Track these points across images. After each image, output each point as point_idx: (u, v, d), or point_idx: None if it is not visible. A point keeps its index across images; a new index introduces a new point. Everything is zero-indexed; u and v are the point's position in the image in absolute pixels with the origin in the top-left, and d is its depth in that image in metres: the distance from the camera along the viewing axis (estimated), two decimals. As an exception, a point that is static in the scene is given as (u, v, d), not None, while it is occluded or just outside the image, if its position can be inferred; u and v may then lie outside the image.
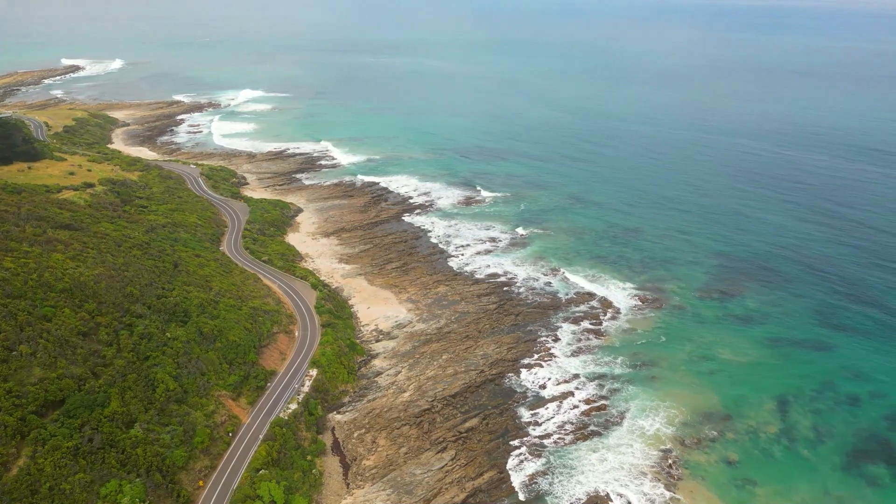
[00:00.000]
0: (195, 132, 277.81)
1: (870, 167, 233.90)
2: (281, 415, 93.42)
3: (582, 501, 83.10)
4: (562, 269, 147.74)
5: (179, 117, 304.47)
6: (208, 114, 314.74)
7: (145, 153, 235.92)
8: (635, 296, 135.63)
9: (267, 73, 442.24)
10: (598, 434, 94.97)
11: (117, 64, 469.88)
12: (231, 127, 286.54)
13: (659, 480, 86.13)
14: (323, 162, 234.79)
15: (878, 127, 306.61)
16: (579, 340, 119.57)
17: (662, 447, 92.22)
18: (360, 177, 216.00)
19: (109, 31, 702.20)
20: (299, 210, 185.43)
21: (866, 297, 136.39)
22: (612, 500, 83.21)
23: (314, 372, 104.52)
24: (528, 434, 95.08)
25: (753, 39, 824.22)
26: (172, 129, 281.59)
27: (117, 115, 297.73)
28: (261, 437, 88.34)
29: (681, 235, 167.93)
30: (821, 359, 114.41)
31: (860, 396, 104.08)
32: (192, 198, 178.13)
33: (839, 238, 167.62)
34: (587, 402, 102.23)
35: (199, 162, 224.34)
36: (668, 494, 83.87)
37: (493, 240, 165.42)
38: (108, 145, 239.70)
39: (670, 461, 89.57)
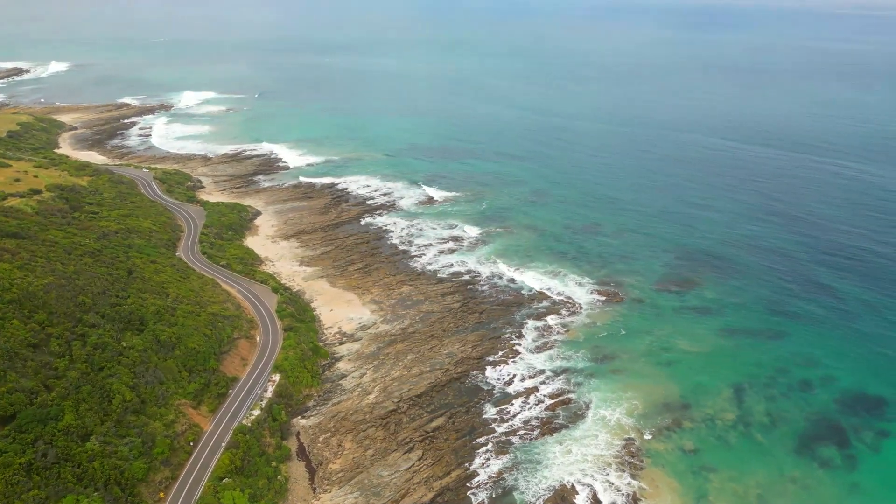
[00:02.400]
0: (147, 135, 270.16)
1: (812, 161, 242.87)
2: (244, 421, 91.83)
3: (549, 495, 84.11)
4: (524, 267, 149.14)
5: (130, 120, 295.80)
6: (160, 116, 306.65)
7: (95, 157, 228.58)
8: (596, 291, 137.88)
9: (221, 73, 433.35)
10: (564, 428, 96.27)
11: (63, 66, 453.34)
12: (185, 129, 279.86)
13: (622, 470, 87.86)
14: (281, 163, 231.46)
15: (817, 122, 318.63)
16: (543, 336, 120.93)
17: (625, 437, 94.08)
18: (319, 178, 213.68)
19: (54, 32, 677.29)
20: (258, 213, 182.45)
21: (814, 286, 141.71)
22: (577, 492, 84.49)
23: (277, 377, 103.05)
24: (494, 431, 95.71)
25: (699, 38, 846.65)
26: (123, 133, 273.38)
27: (64, 118, 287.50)
28: (223, 444, 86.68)
29: (637, 230, 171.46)
30: (774, 347, 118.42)
31: (811, 381, 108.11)
32: (145, 203, 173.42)
33: (787, 230, 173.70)
34: (552, 396, 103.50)
35: (152, 166, 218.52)
36: (630, 483, 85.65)
37: (455, 239, 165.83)
38: (55, 150, 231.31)
39: (633, 451, 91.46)
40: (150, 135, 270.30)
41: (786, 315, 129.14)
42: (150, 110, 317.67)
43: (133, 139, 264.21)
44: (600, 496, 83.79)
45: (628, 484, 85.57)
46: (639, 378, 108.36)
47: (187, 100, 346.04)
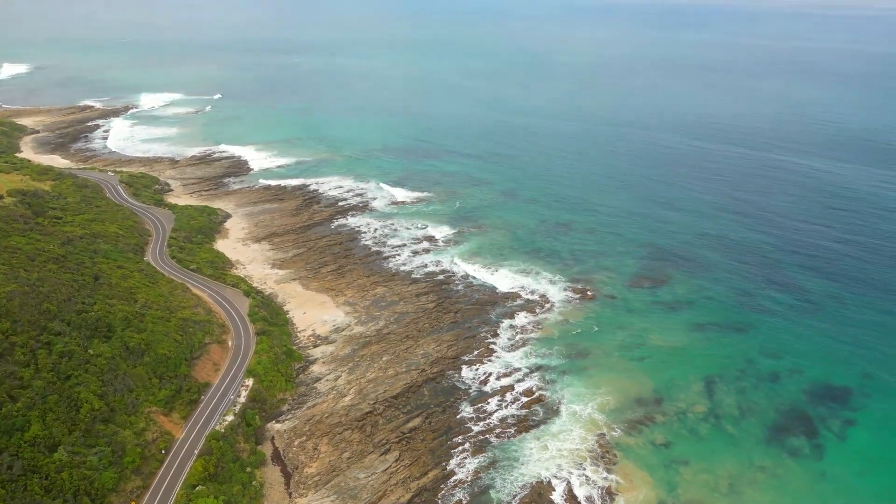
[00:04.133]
0: (112, 138, 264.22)
1: (774, 158, 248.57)
2: (217, 427, 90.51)
3: (526, 492, 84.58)
4: (497, 266, 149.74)
5: (94, 122, 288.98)
6: (126, 118, 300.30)
7: (58, 161, 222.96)
8: (568, 288, 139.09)
9: (188, 74, 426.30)
10: (539, 425, 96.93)
11: (23, 68, 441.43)
12: (151, 131, 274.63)
13: (597, 465, 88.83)
14: (251, 165, 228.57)
15: (780, 120, 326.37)
16: (517, 334, 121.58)
17: (599, 432, 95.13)
18: (290, 179, 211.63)
19: (14, 32, 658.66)
20: (228, 216, 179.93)
21: (780, 280, 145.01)
22: (554, 488, 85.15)
23: (250, 381, 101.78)
24: (471, 430, 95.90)
25: (667, 37, 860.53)
26: (86, 136, 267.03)
27: (25, 121, 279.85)
28: (196, 451, 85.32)
29: (607, 228, 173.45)
30: (743, 340, 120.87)
31: (779, 373, 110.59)
32: (111, 207, 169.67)
33: (753, 226, 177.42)
34: (528, 394, 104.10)
35: (118, 169, 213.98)
36: (606, 477, 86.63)
37: (428, 239, 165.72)
38: (17, 154, 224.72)
39: (606, 445, 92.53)
40: (116, 137, 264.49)
41: (753, 309, 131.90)
42: (114, 112, 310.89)
43: (97, 142, 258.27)
44: (576, 491, 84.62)
45: (603, 478, 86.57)
46: (612, 373, 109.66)
47: (153, 101, 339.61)
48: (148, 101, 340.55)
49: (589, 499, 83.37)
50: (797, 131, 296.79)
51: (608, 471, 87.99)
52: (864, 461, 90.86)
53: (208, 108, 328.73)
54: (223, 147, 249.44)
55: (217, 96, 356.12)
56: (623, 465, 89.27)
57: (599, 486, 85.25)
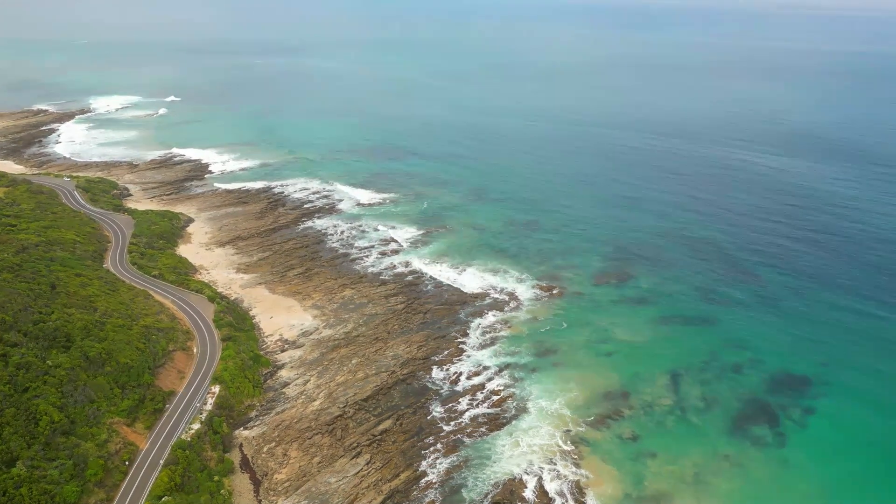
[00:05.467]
0: (67, 142, 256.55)
1: (731, 154, 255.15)
2: (183, 436, 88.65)
3: (498, 490, 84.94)
4: (466, 265, 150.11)
5: (48, 127, 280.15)
6: (82, 122, 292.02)
7: (11, 167, 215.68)
8: (536, 286, 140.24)
9: (146, 76, 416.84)
10: (509, 422, 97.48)
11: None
12: (108, 135, 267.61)
13: (566, 460, 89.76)
14: (213, 168, 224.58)
15: (735, 117, 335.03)
16: (487, 333, 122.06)
17: (567, 428, 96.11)
18: (254, 182, 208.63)
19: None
20: (190, 220, 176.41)
21: (739, 273, 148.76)
22: (525, 484, 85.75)
23: (217, 388, 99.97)
24: (442, 430, 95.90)
25: (629, 36, 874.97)
26: (41, 140, 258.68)
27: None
28: (162, 462, 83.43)
29: (573, 226, 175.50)
30: (706, 332, 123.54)
31: (741, 364, 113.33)
32: (68, 213, 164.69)
33: (712, 221, 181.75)
34: (498, 392, 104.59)
35: (74, 174, 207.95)
36: (574, 472, 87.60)
37: (396, 240, 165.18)
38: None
39: (575, 441, 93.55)
40: (71, 141, 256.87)
41: (715, 302, 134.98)
42: (70, 116, 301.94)
43: (52, 147, 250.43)
44: (546, 487, 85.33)
45: (573, 473, 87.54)
46: (580, 369, 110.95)
47: (109, 104, 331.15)
48: (104, 104, 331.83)
49: (560, 494, 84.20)
50: (753, 129, 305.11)
51: (577, 466, 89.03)
52: (823, 448, 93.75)
53: (167, 110, 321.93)
54: (183, 150, 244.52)
55: (176, 99, 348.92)
56: (591, 459, 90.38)
57: (570, 481, 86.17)
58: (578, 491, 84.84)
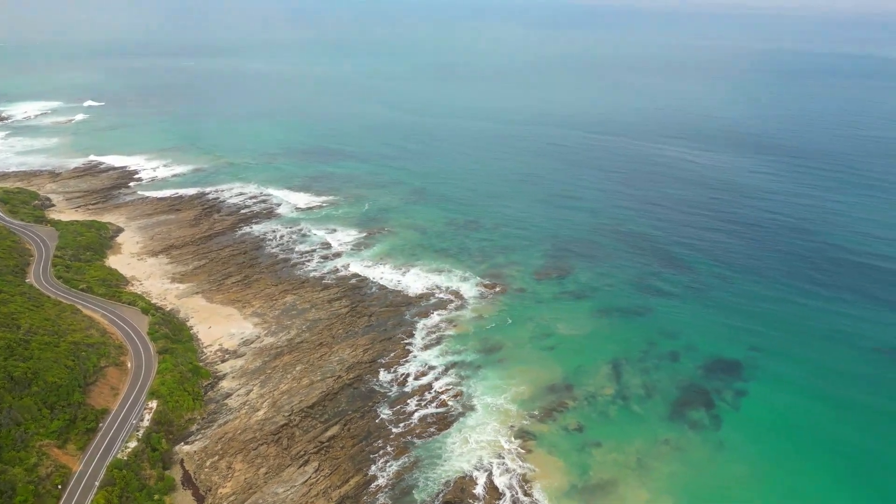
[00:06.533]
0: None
1: (661, 149, 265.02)
2: (119, 455, 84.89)
3: (448, 489, 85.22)
4: (410, 266, 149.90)
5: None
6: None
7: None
8: (480, 284, 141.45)
9: (68, 80, 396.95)
10: (457, 420, 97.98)
11: None
12: (27, 143, 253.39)
13: (514, 454, 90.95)
14: (142, 175, 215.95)
15: (666, 114, 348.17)
16: (433, 333, 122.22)
17: (514, 423, 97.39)
18: (187, 188, 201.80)
19: None
20: (119, 230, 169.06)
21: (672, 264, 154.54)
22: (475, 480, 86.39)
23: (154, 403, 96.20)
24: (391, 432, 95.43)
25: (568, 35, 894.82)
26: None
27: None
28: (97, 483, 79.69)
29: (513, 224, 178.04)
30: (643, 323, 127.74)
31: (678, 352, 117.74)
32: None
33: (645, 214, 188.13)
34: (445, 391, 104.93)
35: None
36: (521, 465, 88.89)
37: (338, 242, 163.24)
38: None
39: (522, 434, 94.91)
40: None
41: (651, 293, 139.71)
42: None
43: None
44: (496, 482, 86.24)
45: (520, 466, 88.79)
46: (525, 364, 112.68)
47: (28, 110, 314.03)
48: (21, 110, 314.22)
49: (510, 487, 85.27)
50: (682, 125, 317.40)
51: (524, 460, 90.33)
52: (755, 427, 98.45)
53: (88, 116, 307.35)
54: (110, 157, 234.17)
55: (96, 104, 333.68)
56: (538, 452, 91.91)
57: (518, 475, 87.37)
58: (527, 484, 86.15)
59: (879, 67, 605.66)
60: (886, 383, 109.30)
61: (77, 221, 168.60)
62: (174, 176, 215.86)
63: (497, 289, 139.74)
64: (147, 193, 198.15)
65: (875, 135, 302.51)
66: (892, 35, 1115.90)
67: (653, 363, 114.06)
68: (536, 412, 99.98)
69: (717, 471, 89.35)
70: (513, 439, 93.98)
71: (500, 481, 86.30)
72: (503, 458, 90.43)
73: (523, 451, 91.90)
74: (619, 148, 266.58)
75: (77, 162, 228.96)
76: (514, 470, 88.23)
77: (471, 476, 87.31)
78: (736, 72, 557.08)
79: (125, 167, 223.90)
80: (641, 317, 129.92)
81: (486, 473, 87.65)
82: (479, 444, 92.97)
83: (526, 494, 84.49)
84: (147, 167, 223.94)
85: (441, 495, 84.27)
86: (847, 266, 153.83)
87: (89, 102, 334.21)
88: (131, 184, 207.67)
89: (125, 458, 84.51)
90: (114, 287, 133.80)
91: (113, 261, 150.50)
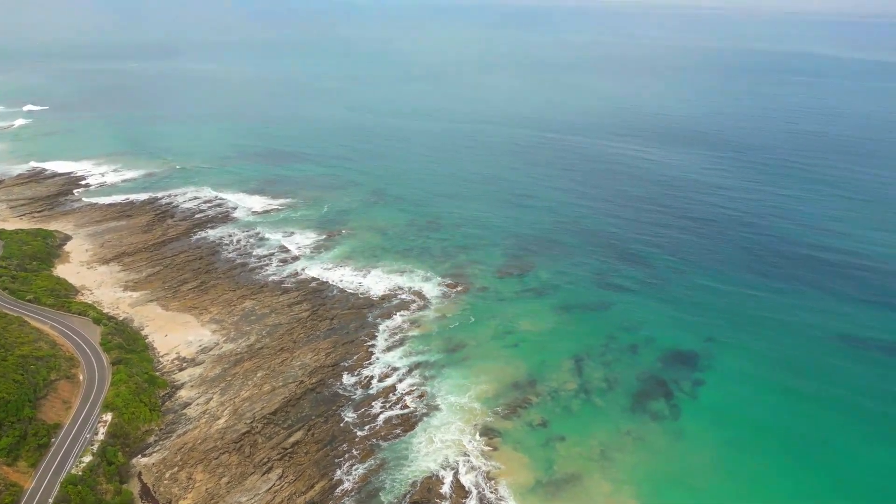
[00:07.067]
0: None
1: (614, 147, 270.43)
2: (73, 471, 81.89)
3: (415, 490, 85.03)
4: (371, 267, 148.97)
5: None
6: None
7: None
8: (443, 283, 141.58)
9: (8, 84, 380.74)
10: (422, 420, 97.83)
11: None
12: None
13: (479, 452, 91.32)
14: (90, 181, 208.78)
15: (620, 111, 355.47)
16: (396, 334, 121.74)
17: (479, 421, 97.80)
18: (138, 194, 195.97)
19: None
20: (68, 237, 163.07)
21: (630, 259, 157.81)
22: (442, 480, 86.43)
23: (109, 416, 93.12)
24: (356, 435, 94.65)
25: (514, 35, 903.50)
26: None
27: None
28: (51, 500, 76.83)
29: (473, 222, 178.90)
30: (603, 317, 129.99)
31: (637, 345, 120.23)
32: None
33: (602, 211, 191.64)
34: (410, 392, 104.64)
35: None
36: (487, 463, 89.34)
37: (297, 246, 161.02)
38: None
39: (487, 432, 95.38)
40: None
41: (609, 288, 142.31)
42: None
43: None
44: (462, 480, 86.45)
45: (485, 464, 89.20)
46: (488, 361, 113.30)
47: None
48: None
49: (476, 485, 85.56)
50: (632, 123, 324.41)
51: (489, 457, 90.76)
52: (712, 415, 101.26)
53: (27, 120, 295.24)
54: (55, 163, 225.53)
55: (36, 108, 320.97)
56: (504, 449, 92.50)
57: (483, 472, 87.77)
58: (492, 481, 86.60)
59: (812, 64, 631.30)
60: (833, 369, 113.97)
61: (22, 230, 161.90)
62: (124, 181, 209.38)
63: (459, 288, 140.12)
64: (96, 200, 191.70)
65: (812, 130, 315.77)
66: (819, 33, 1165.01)
67: (613, 357, 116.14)
68: (501, 409, 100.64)
69: (677, 459, 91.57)
70: (478, 437, 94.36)
71: (467, 479, 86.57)
72: (468, 456, 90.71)
73: (488, 448, 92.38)
74: (574, 147, 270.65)
75: (20, 168, 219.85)
76: (479, 467, 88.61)
77: (437, 475, 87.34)
78: (682, 70, 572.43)
79: (72, 173, 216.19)
80: (601, 312, 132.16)
81: (453, 472, 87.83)
82: (445, 443, 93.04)
83: (492, 491, 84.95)
84: (95, 173, 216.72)
85: (408, 496, 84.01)
86: (793, 258, 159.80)
87: (30, 107, 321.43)
88: (79, 190, 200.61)
89: (80, 473, 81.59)
90: (63, 297, 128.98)
91: (61, 270, 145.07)
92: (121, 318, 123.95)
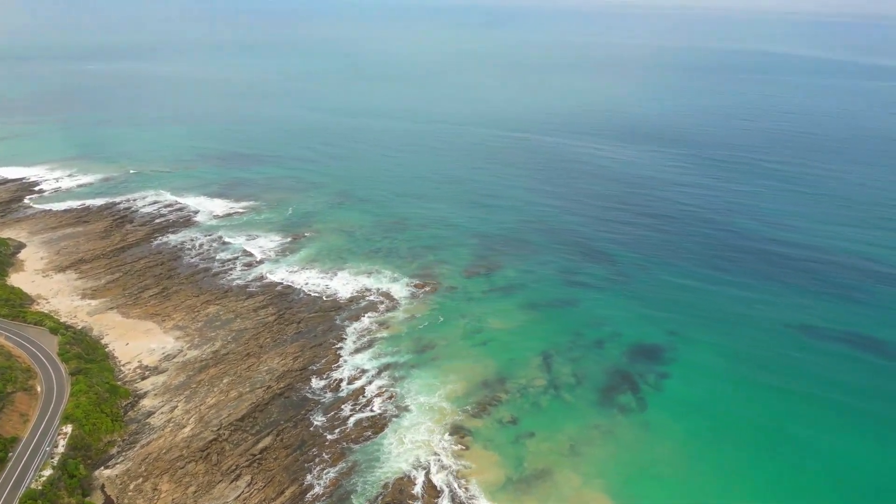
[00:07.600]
0: None
1: (576, 145, 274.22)
2: (33, 485, 79.29)
3: (387, 491, 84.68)
4: (338, 269, 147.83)
5: None
6: None
7: None
8: (411, 284, 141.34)
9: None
10: (393, 422, 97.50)
11: None
12: None
13: (449, 451, 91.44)
14: (44, 187, 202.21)
15: (584, 110, 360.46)
16: (364, 336, 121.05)
17: (449, 420, 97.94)
18: (94, 199, 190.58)
19: None
20: (21, 245, 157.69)
21: (595, 256, 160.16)
22: (414, 480, 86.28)
23: (69, 428, 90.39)
24: (326, 439, 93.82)
25: (483, 35, 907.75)
26: None
27: None
28: (8, 518, 74.07)
29: (440, 222, 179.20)
30: (570, 313, 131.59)
31: (603, 340, 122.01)
32: None
33: (567, 209, 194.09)
34: (379, 394, 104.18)
35: None
36: (457, 462, 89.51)
37: (262, 249, 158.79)
38: None
39: (457, 431, 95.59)
40: None
41: (575, 285, 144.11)
42: None
43: None
44: (434, 480, 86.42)
45: (455, 463, 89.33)
46: (458, 361, 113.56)
47: None
48: None
49: (448, 485, 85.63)
50: (594, 122, 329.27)
51: (460, 456, 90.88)
52: (677, 407, 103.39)
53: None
54: (6, 168, 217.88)
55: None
56: (474, 447, 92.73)
57: (454, 472, 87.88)
58: (463, 480, 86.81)
59: (768, 62, 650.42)
60: (792, 361, 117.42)
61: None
62: (80, 186, 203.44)
63: (427, 288, 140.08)
64: (50, 206, 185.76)
65: (767, 127, 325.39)
66: (776, 32, 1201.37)
67: (581, 352, 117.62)
68: (470, 408, 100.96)
69: (644, 451, 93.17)
70: (448, 436, 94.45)
71: (438, 479, 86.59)
72: (439, 455, 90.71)
73: (459, 447, 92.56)
74: (537, 146, 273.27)
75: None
76: (450, 466, 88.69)
77: (409, 476, 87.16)
78: (643, 68, 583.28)
79: (24, 178, 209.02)
80: (568, 309, 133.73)
81: (424, 472, 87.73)
82: (415, 443, 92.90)
83: (463, 490, 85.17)
84: (49, 178, 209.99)
85: (381, 498, 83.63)
86: (752, 252, 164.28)
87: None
88: (32, 196, 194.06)
89: (40, 487, 79.01)
90: (17, 307, 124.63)
91: (15, 279, 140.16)
92: (79, 328, 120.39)
